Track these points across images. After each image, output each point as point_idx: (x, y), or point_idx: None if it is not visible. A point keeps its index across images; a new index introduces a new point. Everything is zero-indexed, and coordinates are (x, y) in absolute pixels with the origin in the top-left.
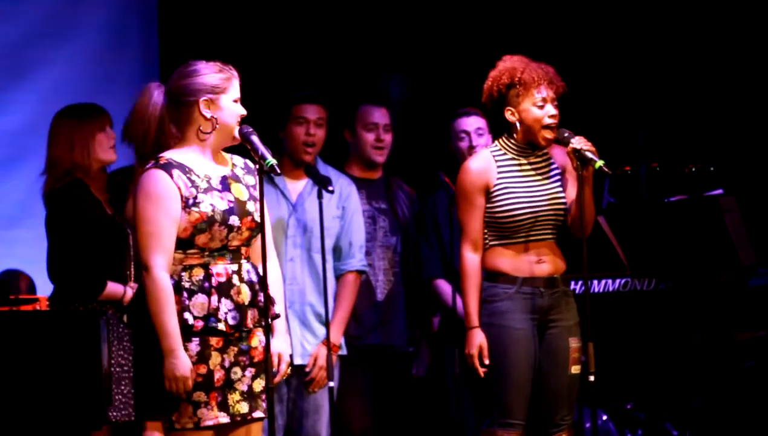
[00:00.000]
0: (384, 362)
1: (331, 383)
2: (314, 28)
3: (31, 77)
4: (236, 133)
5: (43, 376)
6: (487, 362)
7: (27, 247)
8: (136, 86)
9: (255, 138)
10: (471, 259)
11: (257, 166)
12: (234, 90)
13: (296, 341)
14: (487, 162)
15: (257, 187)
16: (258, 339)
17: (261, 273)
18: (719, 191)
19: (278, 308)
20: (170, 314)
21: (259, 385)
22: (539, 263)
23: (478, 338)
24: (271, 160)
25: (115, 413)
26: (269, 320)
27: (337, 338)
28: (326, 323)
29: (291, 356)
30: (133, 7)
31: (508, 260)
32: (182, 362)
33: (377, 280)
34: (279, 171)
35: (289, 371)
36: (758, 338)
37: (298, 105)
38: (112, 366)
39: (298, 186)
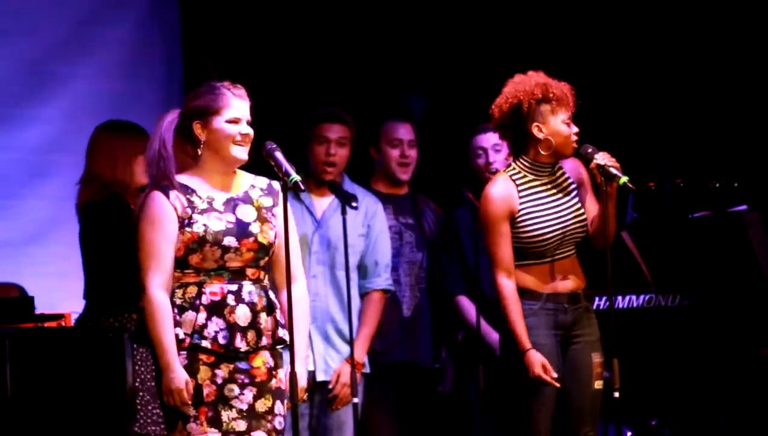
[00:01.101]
0: (410, 379)
1: (355, 399)
2: (337, 44)
3: (54, 93)
4: (234, 154)
5: (68, 392)
6: (555, 375)
7: (50, 263)
8: (159, 102)
9: (279, 154)
10: (508, 285)
11: (282, 184)
12: (230, 110)
13: (319, 358)
14: (508, 188)
15: (277, 208)
16: (262, 360)
17: (274, 297)
18: (743, 207)
19: (295, 334)
20: (166, 331)
21: (264, 405)
22: (563, 279)
23: (537, 357)
24: (295, 177)
25: (154, 428)
26: (275, 344)
27: (361, 356)
28: (350, 341)
29: (314, 373)
30: (156, 22)
31: (531, 277)
32: (178, 375)
33: (403, 296)
34: (303, 187)
35: (304, 396)
36: None
37: (320, 124)
38: (148, 381)
39: (323, 203)
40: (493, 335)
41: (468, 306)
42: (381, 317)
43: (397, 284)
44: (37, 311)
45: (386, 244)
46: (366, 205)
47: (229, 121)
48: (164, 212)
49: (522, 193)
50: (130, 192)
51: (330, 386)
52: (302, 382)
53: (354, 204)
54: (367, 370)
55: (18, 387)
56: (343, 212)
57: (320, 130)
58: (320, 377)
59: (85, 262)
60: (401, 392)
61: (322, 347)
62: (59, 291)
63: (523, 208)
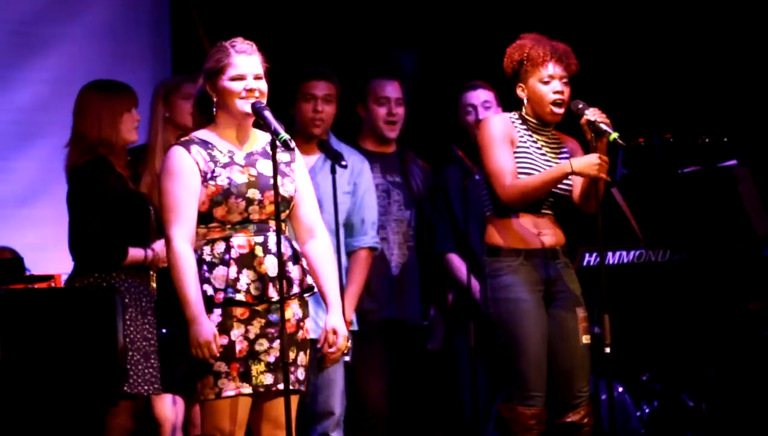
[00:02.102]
0: (398, 336)
1: (345, 358)
2: (327, 2)
3: (42, 55)
4: (241, 108)
5: (59, 353)
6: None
7: (41, 225)
8: (147, 62)
9: (267, 113)
10: (515, 181)
11: (270, 142)
12: (233, 68)
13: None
14: (509, 122)
15: (294, 163)
16: (292, 312)
17: (298, 247)
18: (733, 162)
19: (328, 287)
20: (191, 283)
21: (288, 357)
22: (541, 235)
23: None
24: (284, 135)
25: (147, 387)
26: (303, 292)
27: (349, 313)
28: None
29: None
30: None
31: (511, 233)
32: (205, 328)
33: (392, 254)
34: (292, 146)
35: (348, 344)
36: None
37: (306, 82)
38: (138, 341)
39: (309, 161)
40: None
41: (458, 264)
42: (369, 274)
43: (385, 243)
44: (28, 273)
45: (373, 201)
46: (352, 163)
47: (233, 79)
48: (185, 166)
49: (519, 134)
50: (117, 151)
51: (319, 345)
52: (344, 331)
53: (343, 163)
54: (355, 327)
55: (8, 349)
56: (333, 171)
57: (306, 87)
58: (310, 336)
59: (71, 223)
60: (390, 350)
61: (312, 307)
62: (49, 252)
63: (518, 146)
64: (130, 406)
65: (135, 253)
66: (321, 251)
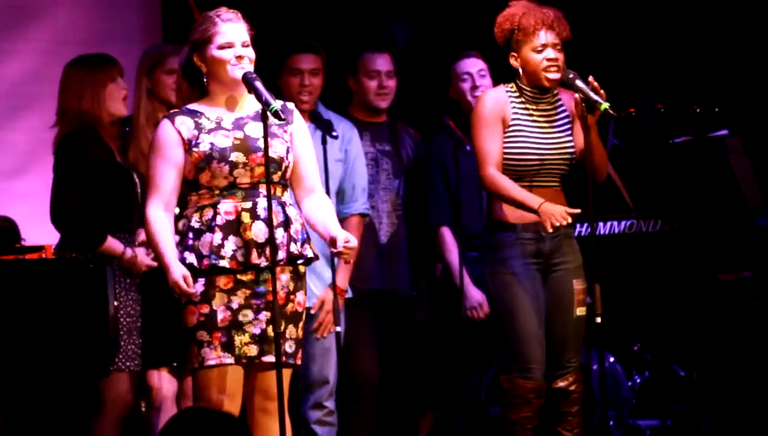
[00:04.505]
0: (387, 307)
1: (338, 328)
2: None
3: (32, 26)
4: (232, 75)
5: (50, 325)
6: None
7: (31, 197)
8: (137, 33)
9: (258, 84)
10: (496, 173)
11: (261, 112)
12: (219, 37)
13: None
14: (503, 97)
15: (291, 125)
16: (280, 284)
17: (294, 213)
18: (724, 132)
19: (322, 222)
20: (162, 239)
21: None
22: None
23: (551, 208)
24: (275, 106)
25: (128, 363)
26: (291, 260)
27: (344, 282)
28: (332, 268)
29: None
30: None
31: (508, 208)
32: (174, 269)
33: (380, 223)
34: (283, 116)
35: (354, 248)
36: (741, 278)
37: (291, 55)
38: (122, 317)
39: None
40: (469, 288)
41: (450, 242)
42: (360, 243)
43: (373, 212)
44: (22, 243)
45: (363, 168)
46: (342, 130)
47: (221, 48)
48: (166, 137)
49: (513, 110)
50: (103, 124)
51: (313, 311)
52: (327, 305)
53: (334, 133)
54: (349, 294)
55: None
56: (324, 142)
57: (292, 62)
58: None
59: (52, 196)
60: (379, 320)
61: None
62: (41, 224)
63: (511, 124)
64: (128, 378)
65: (114, 244)
66: (321, 202)
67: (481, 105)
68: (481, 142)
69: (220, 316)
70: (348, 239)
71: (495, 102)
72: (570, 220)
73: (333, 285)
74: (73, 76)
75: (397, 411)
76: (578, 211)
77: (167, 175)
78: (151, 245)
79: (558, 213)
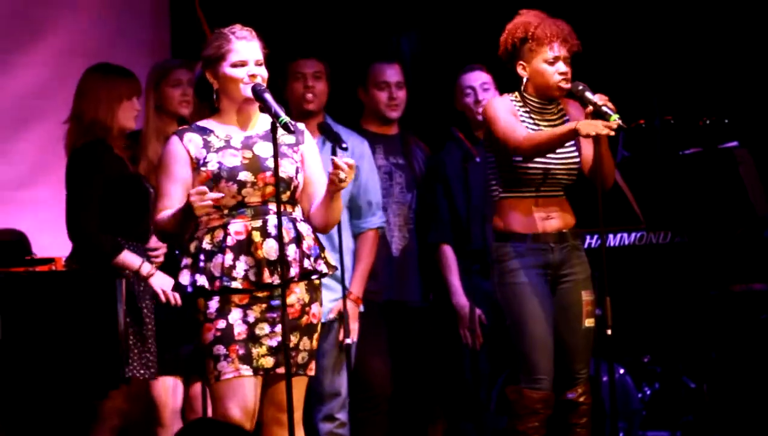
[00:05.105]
0: (400, 318)
1: (349, 340)
2: None
3: (42, 39)
4: (244, 93)
5: (60, 337)
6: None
7: (39, 208)
8: (145, 44)
9: (268, 96)
10: (527, 135)
11: (271, 125)
12: (233, 54)
13: None
14: (510, 105)
15: (302, 145)
16: (296, 297)
17: (306, 229)
18: (734, 144)
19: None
20: (170, 212)
21: (290, 342)
22: (548, 218)
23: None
24: (285, 118)
25: (143, 371)
26: (303, 276)
27: (359, 291)
28: (342, 281)
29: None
30: None
31: (517, 218)
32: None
33: (392, 236)
34: (293, 129)
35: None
36: (752, 290)
37: (294, 61)
38: (133, 325)
39: None
40: (461, 300)
41: (450, 261)
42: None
43: (386, 225)
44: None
45: (376, 184)
46: (352, 145)
47: (234, 65)
48: (175, 155)
49: (520, 118)
50: (113, 136)
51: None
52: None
53: (344, 145)
54: (361, 309)
55: (9, 332)
56: (333, 153)
57: (295, 67)
58: None
59: (68, 208)
60: (391, 332)
61: None
62: (49, 235)
63: None
64: (125, 389)
65: (129, 258)
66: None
67: (495, 104)
68: (502, 124)
69: (237, 330)
70: (347, 161)
71: (507, 103)
72: (612, 131)
73: (344, 297)
74: (93, 83)
75: (407, 419)
76: (618, 123)
77: (174, 192)
78: (169, 221)
79: (599, 123)
